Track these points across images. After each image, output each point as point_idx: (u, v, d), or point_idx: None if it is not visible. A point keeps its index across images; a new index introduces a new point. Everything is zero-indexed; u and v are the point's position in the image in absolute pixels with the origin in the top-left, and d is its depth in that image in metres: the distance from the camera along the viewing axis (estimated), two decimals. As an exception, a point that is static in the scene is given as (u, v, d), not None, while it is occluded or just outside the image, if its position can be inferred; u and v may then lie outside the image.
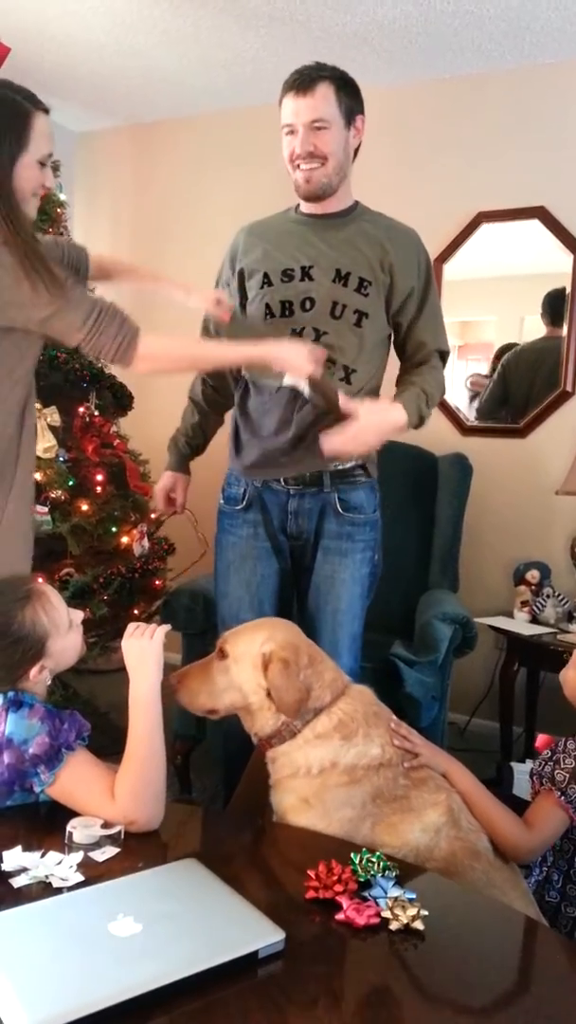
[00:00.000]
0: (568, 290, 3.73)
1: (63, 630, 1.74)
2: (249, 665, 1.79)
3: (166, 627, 1.71)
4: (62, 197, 3.50)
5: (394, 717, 1.88)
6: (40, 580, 2.04)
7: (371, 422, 2.16)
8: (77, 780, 1.60)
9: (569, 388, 3.76)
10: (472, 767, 1.92)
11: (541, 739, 2.08)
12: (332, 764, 1.73)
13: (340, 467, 2.33)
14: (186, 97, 4.38)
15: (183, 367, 2.24)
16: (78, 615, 1.80)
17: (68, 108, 4.60)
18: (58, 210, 3.41)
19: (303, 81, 2.20)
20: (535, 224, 3.77)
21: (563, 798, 1.79)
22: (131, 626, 1.72)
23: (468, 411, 4.06)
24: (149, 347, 2.04)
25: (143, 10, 3.52)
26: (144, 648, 1.67)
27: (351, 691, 1.86)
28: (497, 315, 4.04)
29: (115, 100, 4.50)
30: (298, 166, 2.26)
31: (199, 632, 3.07)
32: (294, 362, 2.13)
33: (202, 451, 2.75)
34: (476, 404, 4.05)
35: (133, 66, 4.06)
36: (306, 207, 2.38)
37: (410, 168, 3.96)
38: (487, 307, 4.01)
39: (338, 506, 2.34)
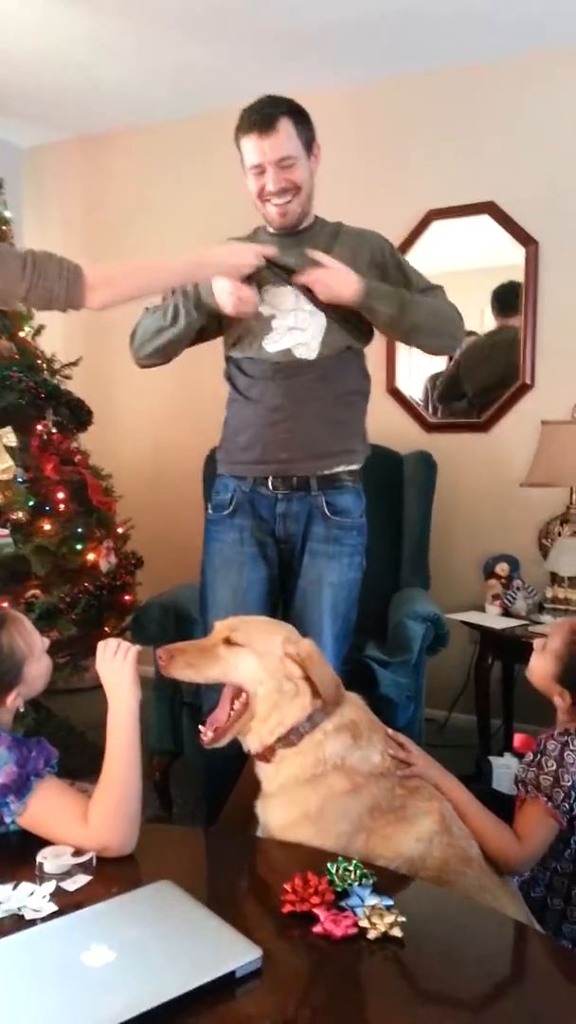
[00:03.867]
0: (522, 283, 3.75)
1: (38, 655, 1.73)
2: (275, 658, 1.76)
3: (137, 648, 1.69)
4: (7, 214, 3.46)
5: (386, 728, 1.88)
6: (5, 605, 2.01)
7: (336, 267, 2.23)
8: (47, 808, 1.58)
9: (528, 380, 3.78)
10: (451, 763, 1.91)
11: (519, 739, 2.06)
12: (341, 761, 1.72)
13: (326, 472, 2.36)
14: (134, 108, 4.35)
15: (135, 288, 2.10)
16: (45, 641, 1.79)
17: (13, 123, 4.56)
18: (2, 227, 3.37)
19: (263, 120, 2.19)
20: (486, 219, 3.78)
21: (550, 803, 1.78)
22: (100, 646, 1.70)
23: (429, 407, 4.08)
24: (97, 275, 1.95)
25: (85, 24, 3.50)
26: (118, 671, 1.66)
27: (349, 697, 1.86)
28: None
29: (62, 114, 4.46)
30: (269, 201, 2.28)
31: (171, 646, 3.03)
32: (233, 258, 2.15)
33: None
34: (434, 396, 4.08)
35: (79, 79, 4.03)
36: (275, 228, 2.38)
37: (358, 170, 3.96)
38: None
39: (325, 509, 2.36)
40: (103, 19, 3.46)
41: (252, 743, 1.81)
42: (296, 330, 2.31)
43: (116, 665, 1.66)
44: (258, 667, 1.75)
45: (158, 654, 1.76)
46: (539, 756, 1.85)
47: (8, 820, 1.58)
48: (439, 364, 4.06)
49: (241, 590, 2.38)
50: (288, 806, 1.73)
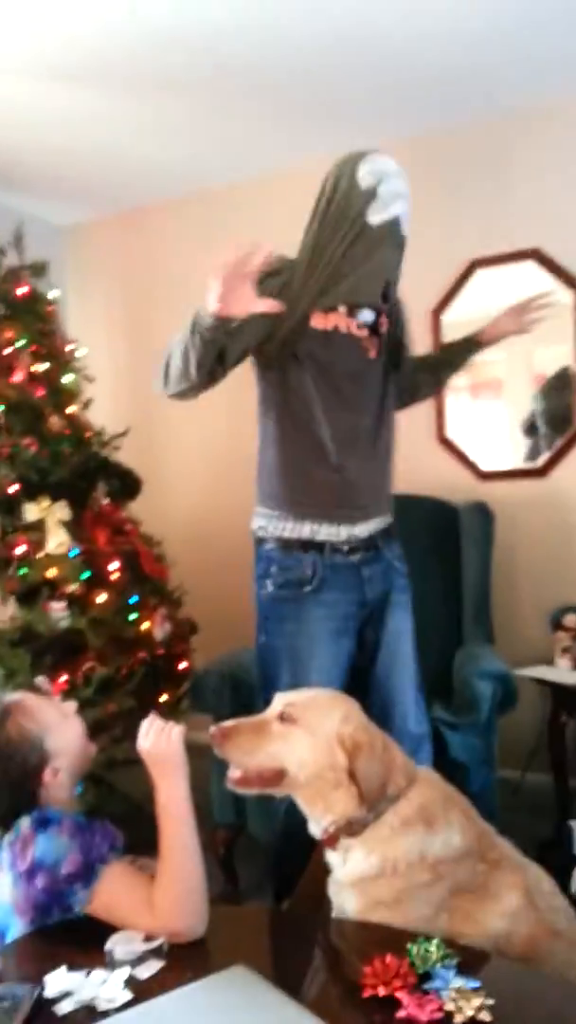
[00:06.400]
0: (572, 328, 3.70)
1: (56, 724, 1.69)
2: (325, 741, 1.66)
3: (183, 728, 1.62)
4: (51, 295, 3.51)
5: (466, 801, 1.76)
6: (64, 679, 1.96)
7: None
8: (115, 894, 1.53)
9: (583, 424, 3.70)
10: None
11: None
12: (420, 857, 1.61)
13: (384, 527, 2.34)
14: (172, 181, 4.41)
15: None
16: (71, 705, 1.77)
17: (51, 204, 4.65)
18: (48, 308, 3.43)
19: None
20: (531, 265, 3.74)
21: None
22: (144, 724, 1.64)
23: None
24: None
25: (119, 106, 3.58)
26: (165, 754, 1.60)
27: (420, 774, 1.76)
28: (506, 351, 3.97)
29: (99, 192, 4.55)
30: None
31: (229, 714, 2.96)
32: None
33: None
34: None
35: (116, 159, 4.12)
36: None
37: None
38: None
39: (395, 562, 2.35)
40: (140, 101, 3.52)
41: (312, 827, 1.72)
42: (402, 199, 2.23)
43: (162, 745, 1.60)
44: (307, 748, 1.67)
45: (212, 733, 1.69)
46: None
47: (77, 909, 1.53)
48: (490, 406, 3.99)
49: (335, 674, 2.23)
50: (360, 896, 1.64)
